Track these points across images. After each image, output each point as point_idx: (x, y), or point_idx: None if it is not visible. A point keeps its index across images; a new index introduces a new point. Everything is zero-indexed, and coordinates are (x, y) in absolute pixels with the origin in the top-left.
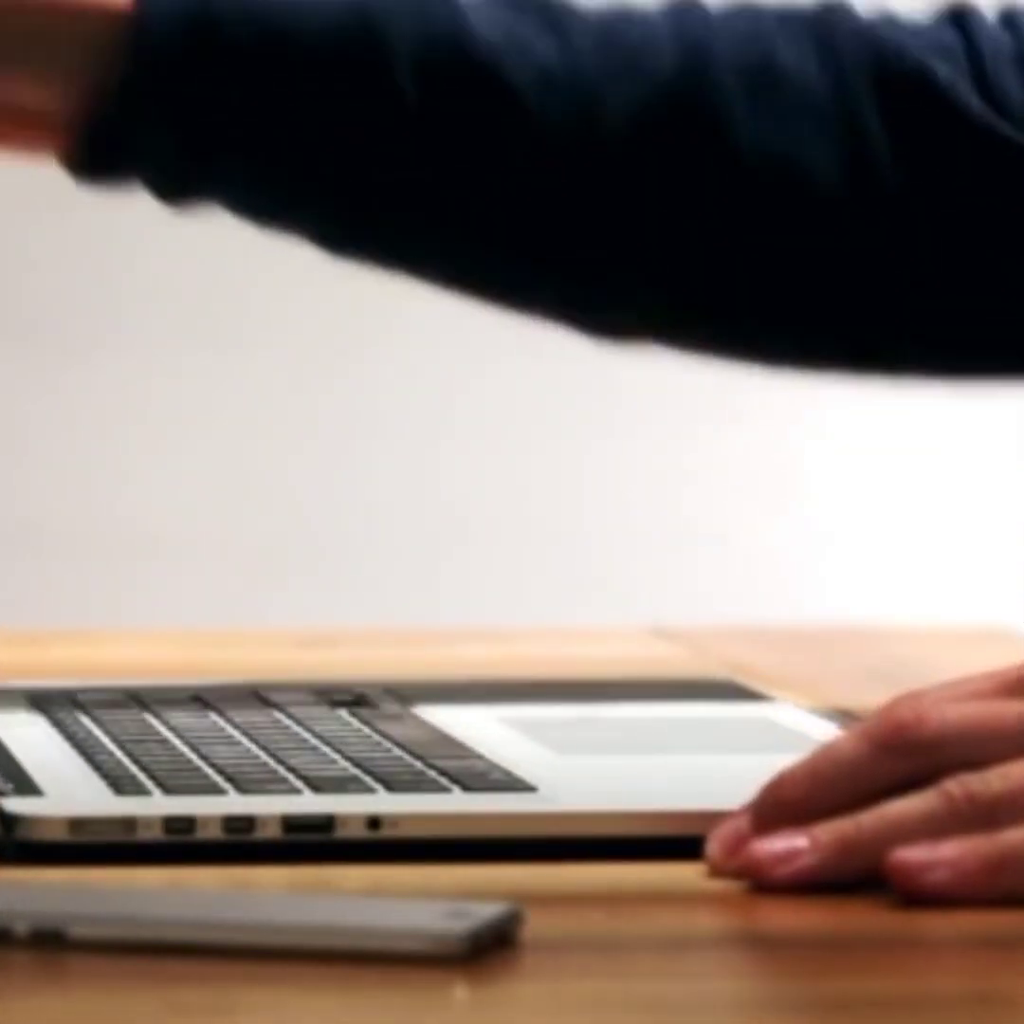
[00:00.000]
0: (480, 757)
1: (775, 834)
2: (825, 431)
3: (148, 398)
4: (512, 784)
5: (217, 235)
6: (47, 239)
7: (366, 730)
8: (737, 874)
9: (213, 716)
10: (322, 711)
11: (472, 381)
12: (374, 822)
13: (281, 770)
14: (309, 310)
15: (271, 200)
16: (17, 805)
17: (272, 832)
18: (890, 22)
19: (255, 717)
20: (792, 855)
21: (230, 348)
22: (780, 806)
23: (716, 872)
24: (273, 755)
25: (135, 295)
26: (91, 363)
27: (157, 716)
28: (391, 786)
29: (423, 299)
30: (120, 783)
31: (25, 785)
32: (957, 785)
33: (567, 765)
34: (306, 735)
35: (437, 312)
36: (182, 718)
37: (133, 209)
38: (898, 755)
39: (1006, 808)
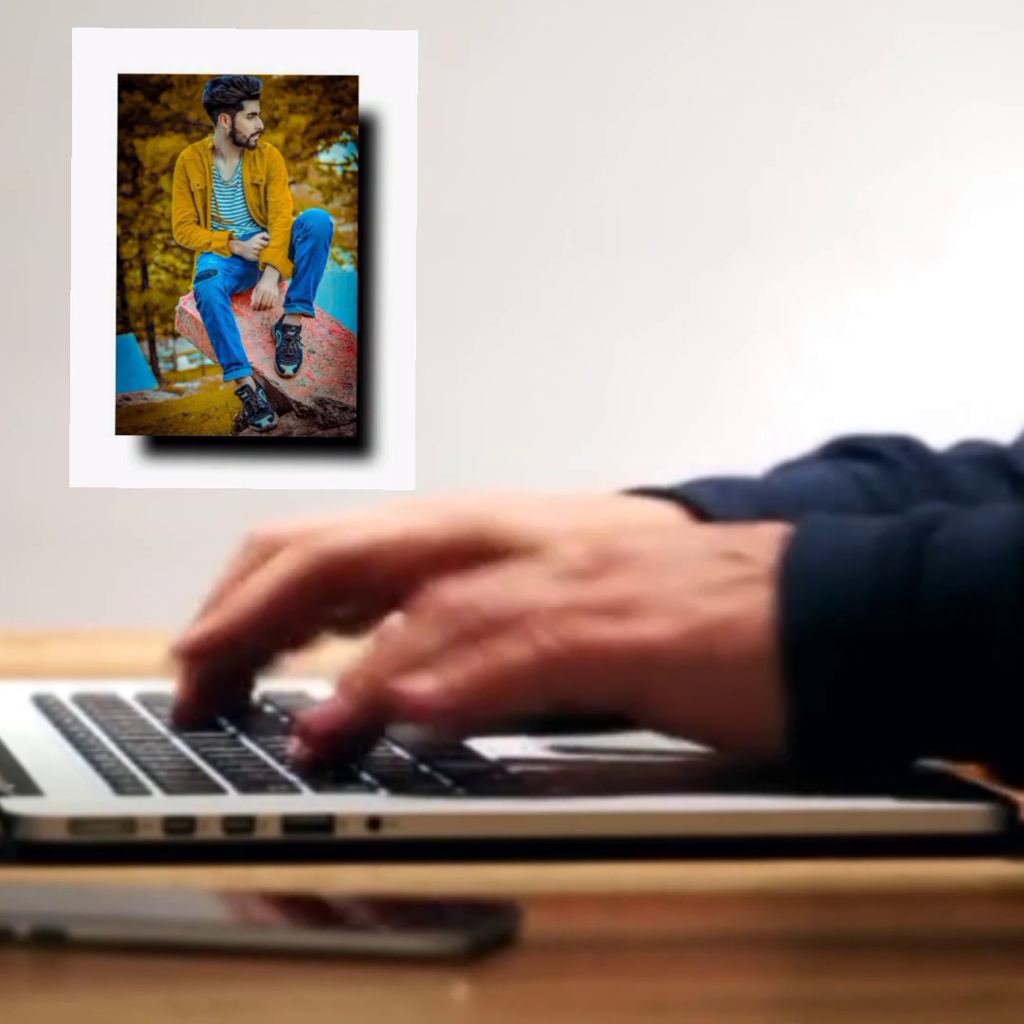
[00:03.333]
0: (480, 757)
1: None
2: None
3: None
4: (512, 784)
5: None
6: (45, 235)
7: None
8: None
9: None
10: None
11: (465, 381)
12: (374, 822)
13: (281, 770)
14: None
15: None
16: (17, 805)
17: (272, 832)
18: None
19: (255, 717)
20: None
21: None
22: None
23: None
24: (273, 755)
25: None
26: None
27: (157, 716)
28: (391, 786)
29: (416, 298)
30: (120, 783)
31: (25, 785)
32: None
33: (566, 764)
34: None
35: (432, 310)
36: None
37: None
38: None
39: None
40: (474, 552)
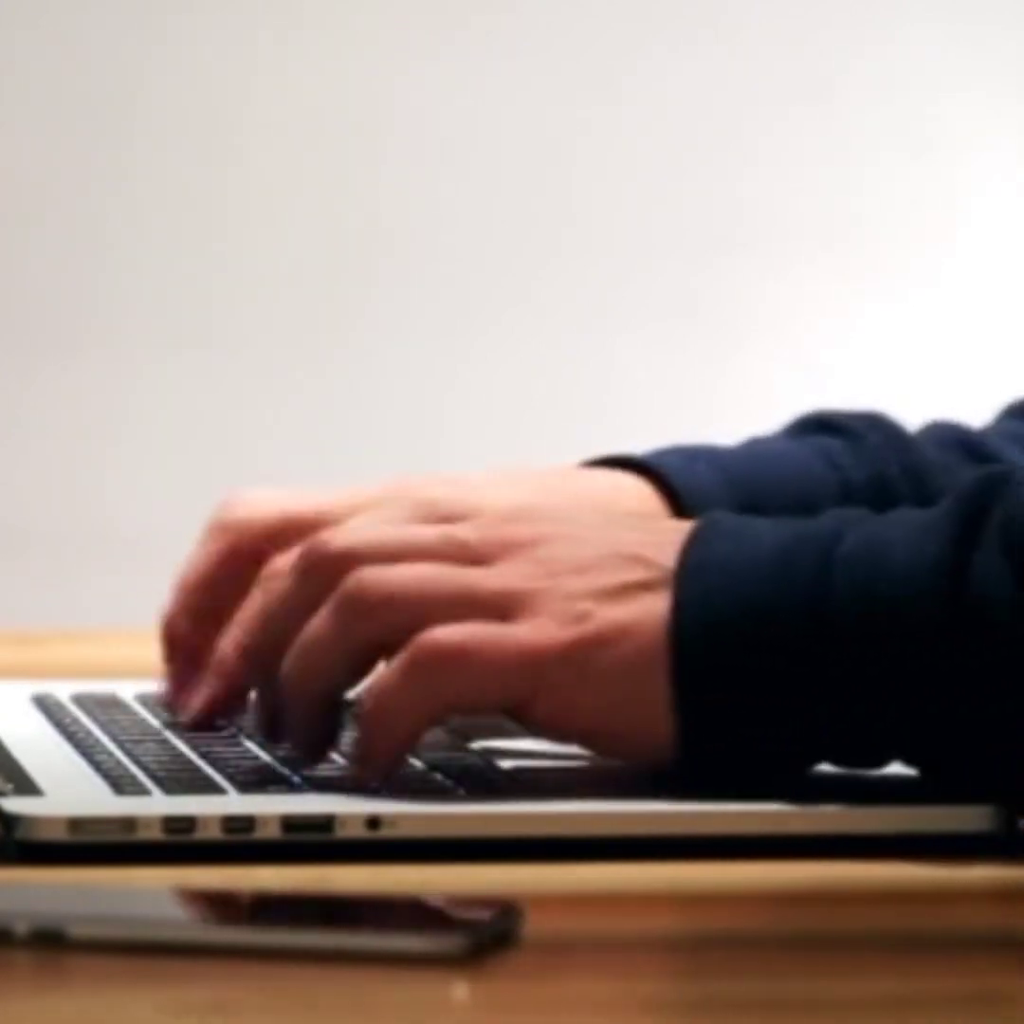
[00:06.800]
0: (480, 757)
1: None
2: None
3: (138, 397)
4: (512, 784)
5: (200, 235)
6: (25, 240)
7: None
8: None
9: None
10: None
11: (463, 381)
12: (374, 822)
13: (281, 770)
14: (295, 310)
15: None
16: (17, 805)
17: (272, 832)
18: None
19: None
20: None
21: (219, 345)
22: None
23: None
24: (273, 755)
25: (121, 294)
26: (83, 361)
27: (157, 716)
28: (391, 786)
29: (411, 299)
30: (120, 783)
31: (25, 785)
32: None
33: (566, 764)
34: None
35: (427, 312)
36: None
37: (117, 210)
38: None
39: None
40: None
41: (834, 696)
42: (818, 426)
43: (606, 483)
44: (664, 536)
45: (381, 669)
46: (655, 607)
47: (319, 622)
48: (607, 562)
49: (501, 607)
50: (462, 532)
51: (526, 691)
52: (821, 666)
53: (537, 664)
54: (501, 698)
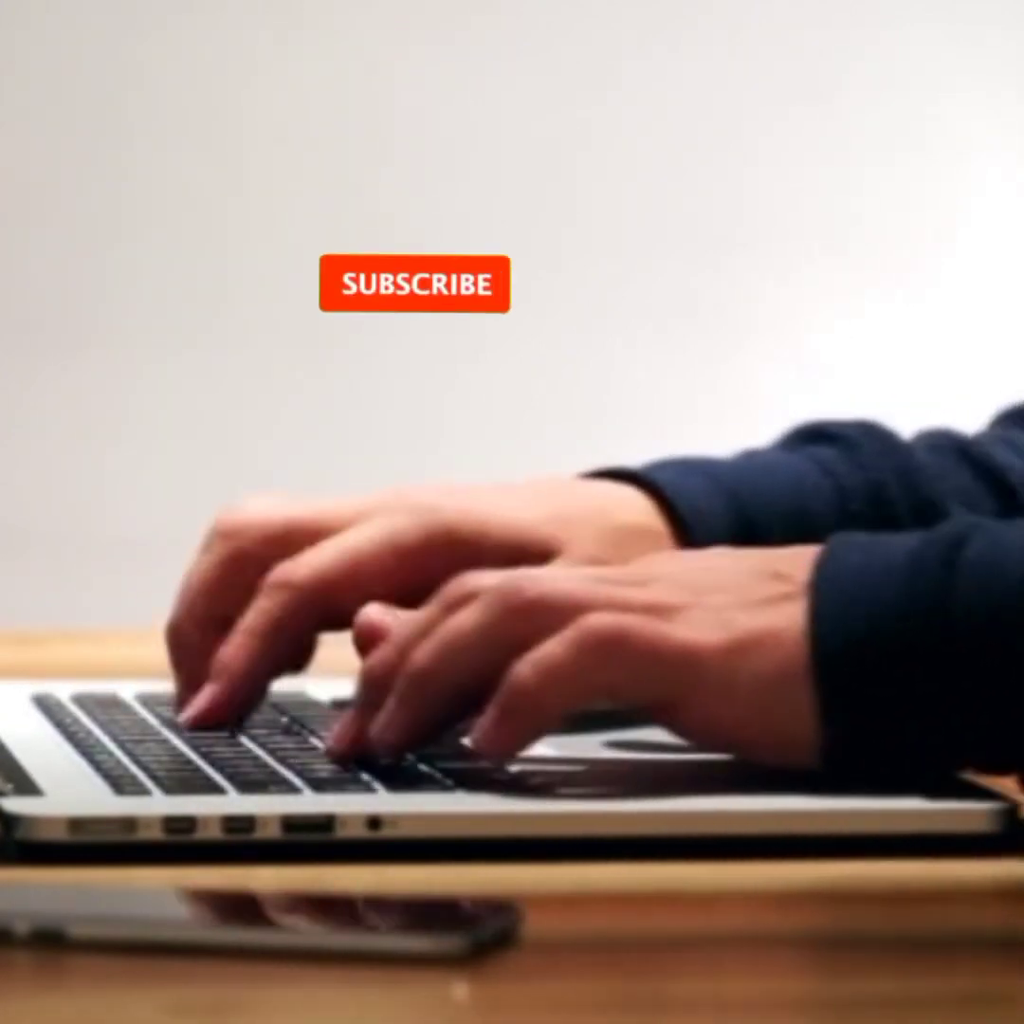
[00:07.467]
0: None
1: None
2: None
3: (138, 397)
4: (512, 784)
5: (200, 235)
6: (25, 240)
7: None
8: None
9: None
10: (322, 711)
11: (463, 381)
12: (374, 822)
13: (281, 770)
14: (295, 310)
15: None
16: (17, 805)
17: (272, 832)
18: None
19: (255, 717)
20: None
21: (219, 345)
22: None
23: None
24: (273, 755)
25: (121, 294)
26: (83, 361)
27: (157, 716)
28: (391, 786)
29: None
30: (120, 783)
31: (25, 785)
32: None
33: (566, 764)
34: (306, 735)
35: (426, 313)
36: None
37: (117, 210)
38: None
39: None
40: (449, 550)
41: (964, 701)
42: (812, 436)
43: (604, 494)
44: (797, 556)
45: (549, 646)
46: (796, 615)
47: (467, 613)
48: (745, 579)
49: (657, 615)
50: (607, 571)
51: (678, 689)
52: (950, 671)
53: (693, 662)
54: (655, 690)
